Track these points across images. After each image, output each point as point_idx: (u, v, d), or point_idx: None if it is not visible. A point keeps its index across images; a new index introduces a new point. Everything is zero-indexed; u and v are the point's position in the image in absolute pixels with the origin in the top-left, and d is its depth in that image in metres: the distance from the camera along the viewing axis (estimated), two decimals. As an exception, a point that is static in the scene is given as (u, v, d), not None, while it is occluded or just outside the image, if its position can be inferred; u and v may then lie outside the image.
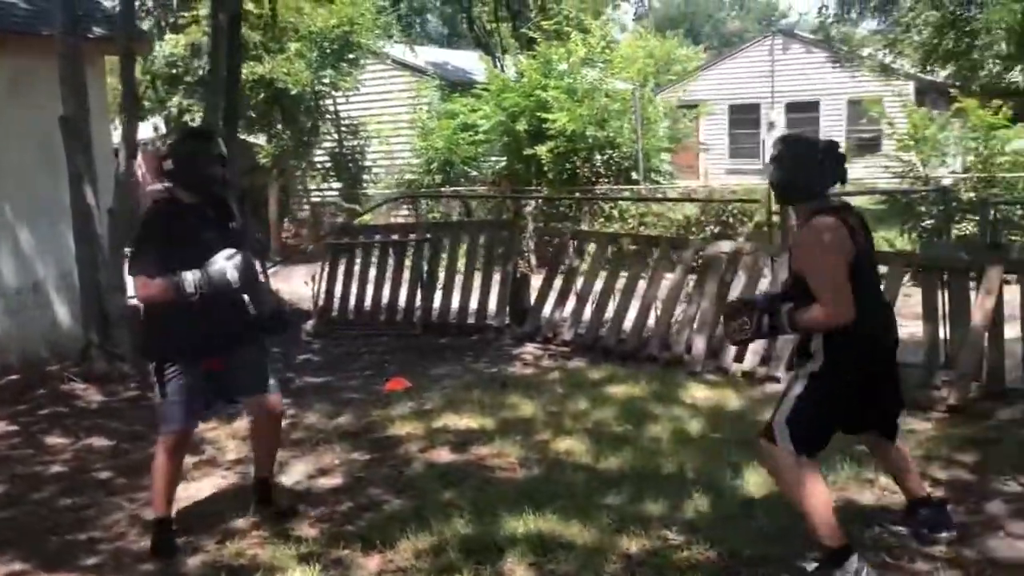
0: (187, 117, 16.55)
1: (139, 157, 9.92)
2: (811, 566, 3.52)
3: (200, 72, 15.14)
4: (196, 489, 4.83)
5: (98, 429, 6.02)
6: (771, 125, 23.62)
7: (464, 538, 3.96)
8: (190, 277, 3.76)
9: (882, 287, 3.84)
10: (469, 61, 21.41)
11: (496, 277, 8.75)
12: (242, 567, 3.81)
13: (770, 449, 3.52)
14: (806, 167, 3.51)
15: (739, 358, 6.74)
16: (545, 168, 13.52)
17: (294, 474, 4.98)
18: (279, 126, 16.39)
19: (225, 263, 3.81)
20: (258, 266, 4.19)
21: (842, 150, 3.60)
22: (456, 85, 17.52)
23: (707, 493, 4.30)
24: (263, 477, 4.39)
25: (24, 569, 3.95)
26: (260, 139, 16.56)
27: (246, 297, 4.06)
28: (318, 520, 4.32)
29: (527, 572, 3.64)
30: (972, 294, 6.15)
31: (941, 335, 6.34)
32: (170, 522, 4.08)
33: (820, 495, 3.45)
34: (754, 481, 4.48)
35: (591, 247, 8.56)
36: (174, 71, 15.82)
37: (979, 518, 4.07)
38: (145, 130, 17.06)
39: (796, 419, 3.46)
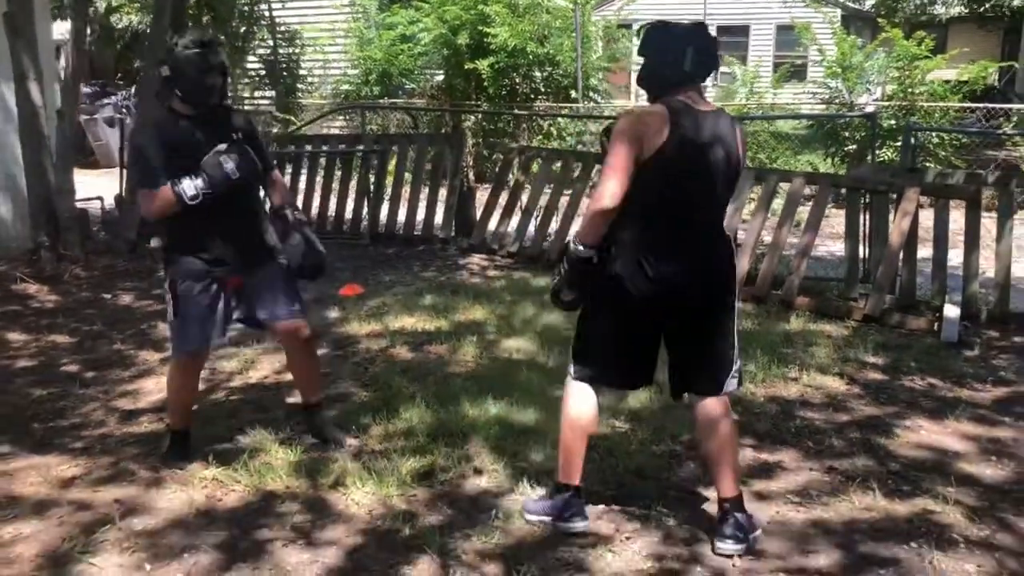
0: (115, 17, 16.09)
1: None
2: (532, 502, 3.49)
3: (130, -29, 14.70)
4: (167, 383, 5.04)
5: (58, 327, 6.14)
6: (703, 48, 23.86)
7: (431, 424, 4.30)
8: (187, 182, 3.58)
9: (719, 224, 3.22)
10: (406, -30, 21.05)
11: (442, 191, 8.97)
12: (226, 450, 4.07)
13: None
14: (661, 58, 3.12)
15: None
16: (485, 83, 13.60)
17: (262, 369, 5.24)
18: (210, 31, 16.00)
19: (220, 156, 3.62)
20: (292, 213, 3.92)
21: (708, 38, 3.16)
22: (394, -5, 17.27)
23: (647, 388, 4.65)
24: (307, 405, 4.19)
25: (13, 451, 4.14)
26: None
27: (264, 217, 3.91)
28: (291, 410, 4.61)
29: (491, 452, 4.00)
30: (891, 215, 6.67)
31: (861, 252, 6.87)
32: (186, 435, 4.04)
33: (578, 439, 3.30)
34: (691, 378, 4.93)
35: (536, 163, 8.82)
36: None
37: (890, 410, 4.60)
38: (62, 29, 16.49)
39: (576, 346, 3.32)
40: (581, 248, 3.10)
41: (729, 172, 3.13)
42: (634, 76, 16.63)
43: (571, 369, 3.32)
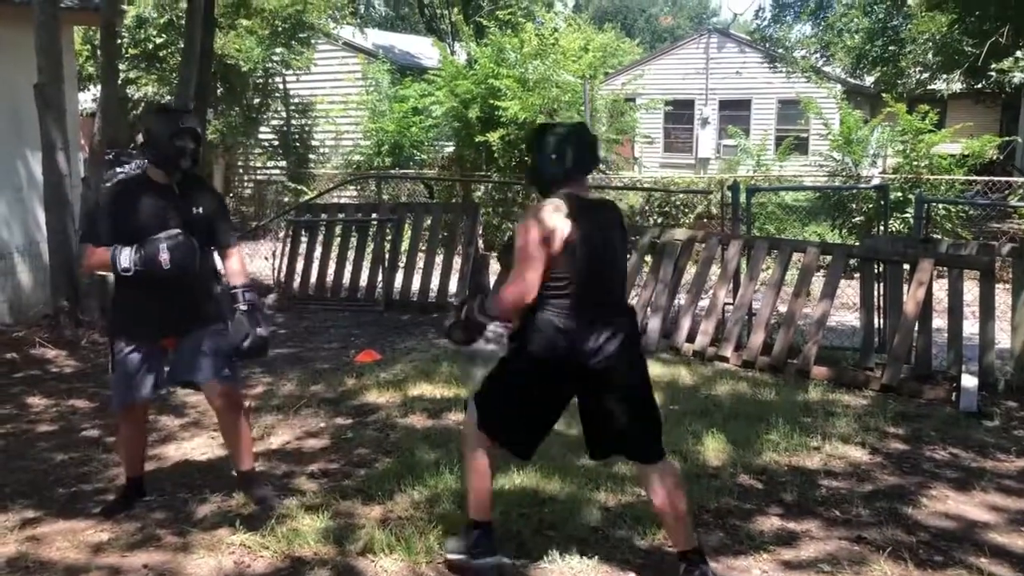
0: (131, 89, 16.41)
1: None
2: (452, 541, 3.64)
3: (149, 45, 15.06)
4: (189, 448, 5.06)
5: (78, 392, 6.17)
6: (704, 121, 24.35)
7: (456, 491, 4.28)
8: (125, 252, 3.74)
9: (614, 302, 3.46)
10: (415, 45, 21.56)
11: (456, 258, 9.07)
12: (252, 516, 4.06)
13: (465, 420, 3.64)
14: (547, 155, 3.40)
15: (691, 338, 7.20)
16: (495, 155, 13.82)
17: (283, 435, 5.24)
18: (223, 104, 16.35)
19: (161, 243, 3.75)
20: (243, 296, 4.00)
21: (588, 137, 3.49)
22: (405, 69, 17.69)
23: (671, 457, 4.65)
24: (239, 472, 4.25)
25: (39, 516, 4.13)
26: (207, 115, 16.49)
27: (211, 288, 4.04)
28: (314, 476, 4.61)
29: (518, 520, 3.98)
30: (904, 285, 6.72)
31: (876, 322, 6.91)
32: (135, 483, 4.25)
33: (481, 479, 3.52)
34: (712, 446, 4.93)
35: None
36: (118, 41, 15.65)
37: (915, 479, 4.59)
38: (84, 99, 16.87)
39: (484, 398, 3.51)
40: (484, 320, 3.45)
41: (621, 249, 3.52)
42: (638, 148, 16.89)
43: (475, 415, 3.51)
